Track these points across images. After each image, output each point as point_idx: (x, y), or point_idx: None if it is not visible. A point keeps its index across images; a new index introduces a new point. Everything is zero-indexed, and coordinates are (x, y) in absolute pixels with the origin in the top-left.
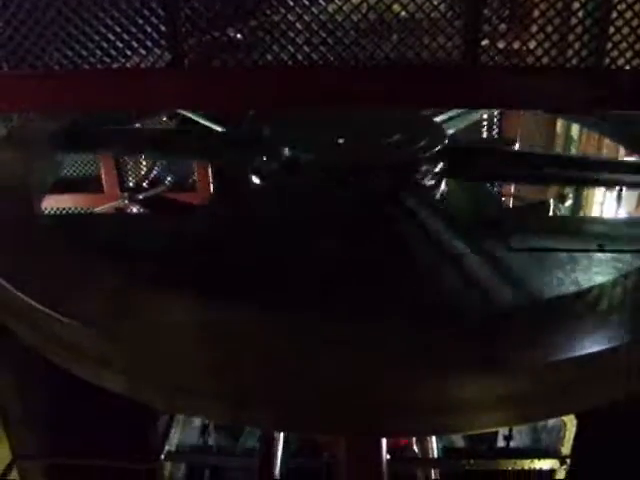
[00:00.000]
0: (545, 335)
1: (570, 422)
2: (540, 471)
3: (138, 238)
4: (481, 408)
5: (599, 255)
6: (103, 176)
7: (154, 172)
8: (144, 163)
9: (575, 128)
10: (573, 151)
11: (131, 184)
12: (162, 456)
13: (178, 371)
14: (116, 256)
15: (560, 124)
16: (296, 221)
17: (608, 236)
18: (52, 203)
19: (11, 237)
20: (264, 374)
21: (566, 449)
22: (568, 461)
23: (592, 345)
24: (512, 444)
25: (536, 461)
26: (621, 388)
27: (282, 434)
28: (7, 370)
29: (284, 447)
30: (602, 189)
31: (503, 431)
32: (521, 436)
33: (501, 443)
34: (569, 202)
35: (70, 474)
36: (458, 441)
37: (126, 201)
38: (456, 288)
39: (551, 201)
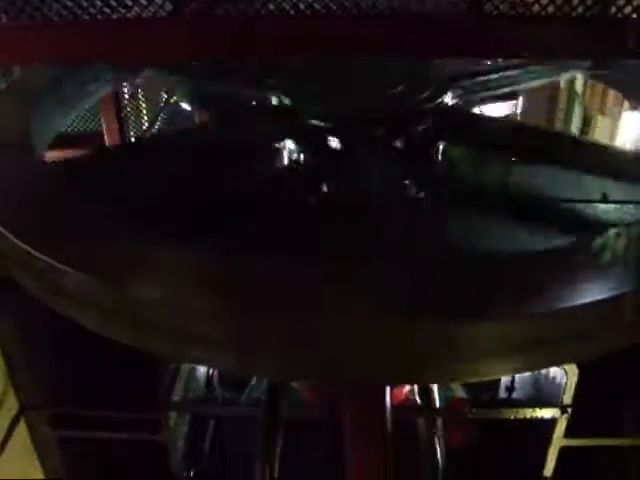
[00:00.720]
0: (546, 283)
1: (572, 371)
2: (542, 420)
3: (141, 185)
4: (482, 356)
5: (602, 205)
6: (105, 131)
7: (156, 127)
8: (145, 118)
9: (579, 83)
10: (577, 106)
11: (133, 140)
12: (167, 406)
13: (182, 319)
14: (119, 204)
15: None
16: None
17: (612, 186)
18: (54, 159)
19: (13, 188)
20: (268, 321)
21: (567, 398)
22: (569, 410)
23: (594, 294)
24: (514, 395)
25: (537, 410)
26: (623, 337)
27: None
28: (11, 320)
29: (289, 398)
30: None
31: (505, 382)
32: (523, 387)
33: (503, 394)
34: None
35: (77, 423)
36: (460, 393)
37: None
38: (454, 234)
39: None
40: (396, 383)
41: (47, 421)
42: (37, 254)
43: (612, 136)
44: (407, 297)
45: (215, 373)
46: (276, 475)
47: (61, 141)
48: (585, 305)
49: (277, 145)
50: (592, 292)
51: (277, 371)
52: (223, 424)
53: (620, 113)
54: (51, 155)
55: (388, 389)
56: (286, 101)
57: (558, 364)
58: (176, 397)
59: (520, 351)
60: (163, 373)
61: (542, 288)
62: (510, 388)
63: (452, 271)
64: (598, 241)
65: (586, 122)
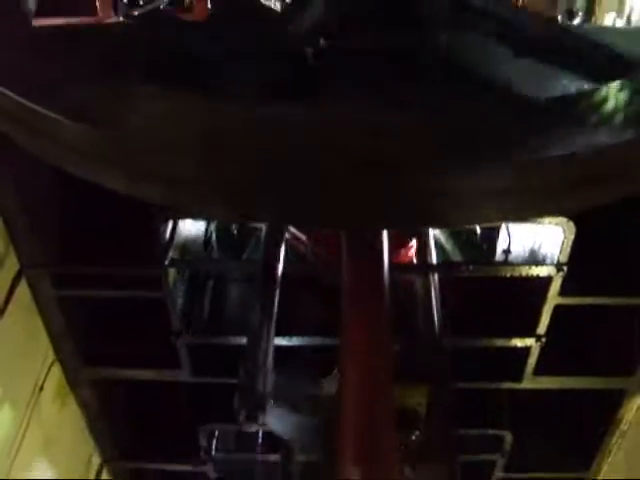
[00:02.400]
0: (545, 131)
1: (569, 229)
2: (537, 278)
3: (137, 48)
4: (482, 200)
5: None
6: None
7: None
8: None
9: None
10: None
11: (125, 0)
12: (166, 262)
13: (178, 163)
14: (114, 62)
15: None
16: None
17: (617, 45)
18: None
19: (6, 49)
20: (266, 164)
21: (564, 256)
22: (565, 268)
23: (593, 142)
24: (510, 258)
25: (533, 268)
26: (620, 187)
27: (284, 242)
28: (9, 179)
29: (285, 254)
30: (612, 14)
31: (502, 245)
32: (520, 251)
33: (500, 257)
34: (578, 19)
35: (78, 282)
36: (457, 257)
37: (121, 18)
38: (456, 85)
39: (559, 17)
40: (395, 227)
41: (50, 281)
42: (35, 107)
43: (620, 7)
44: (408, 141)
45: (213, 234)
46: (274, 332)
47: (49, 7)
48: (583, 153)
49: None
50: (594, 139)
51: (274, 216)
52: (222, 285)
53: None
54: (40, 21)
55: (386, 240)
56: None
57: (558, 211)
58: (175, 254)
59: (520, 196)
60: (161, 229)
61: (544, 134)
62: (507, 251)
63: (455, 116)
64: (601, 91)
65: None
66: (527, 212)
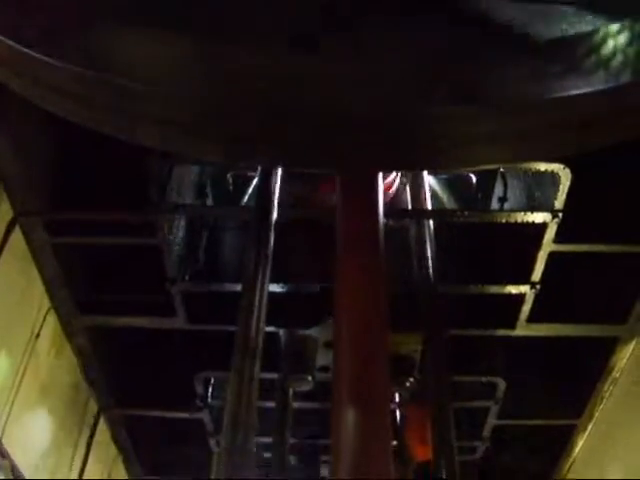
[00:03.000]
0: (542, 74)
1: (565, 176)
2: (532, 224)
3: None
4: (474, 143)
5: None
6: None
7: None
8: None
9: None
10: None
11: None
12: (161, 208)
13: (172, 105)
14: (113, 5)
15: None
16: None
17: None
18: None
19: None
20: (266, 110)
21: (559, 203)
22: (560, 214)
23: (590, 85)
24: (506, 206)
25: (529, 214)
26: (616, 132)
27: (278, 188)
28: (1, 127)
29: (280, 200)
30: None
31: (497, 193)
32: (516, 199)
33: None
34: None
35: (72, 229)
36: (451, 204)
37: None
38: (454, 31)
39: None
40: (389, 168)
41: (44, 228)
42: (35, 55)
43: None
44: (405, 87)
45: (208, 183)
46: (269, 279)
47: None
48: (579, 96)
49: None
50: (589, 84)
51: (272, 157)
52: (217, 232)
53: None
54: None
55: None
56: None
57: (556, 154)
58: (169, 200)
59: (517, 139)
60: (156, 175)
61: (542, 76)
62: (502, 199)
63: (452, 62)
64: (600, 33)
65: None
66: (523, 156)
